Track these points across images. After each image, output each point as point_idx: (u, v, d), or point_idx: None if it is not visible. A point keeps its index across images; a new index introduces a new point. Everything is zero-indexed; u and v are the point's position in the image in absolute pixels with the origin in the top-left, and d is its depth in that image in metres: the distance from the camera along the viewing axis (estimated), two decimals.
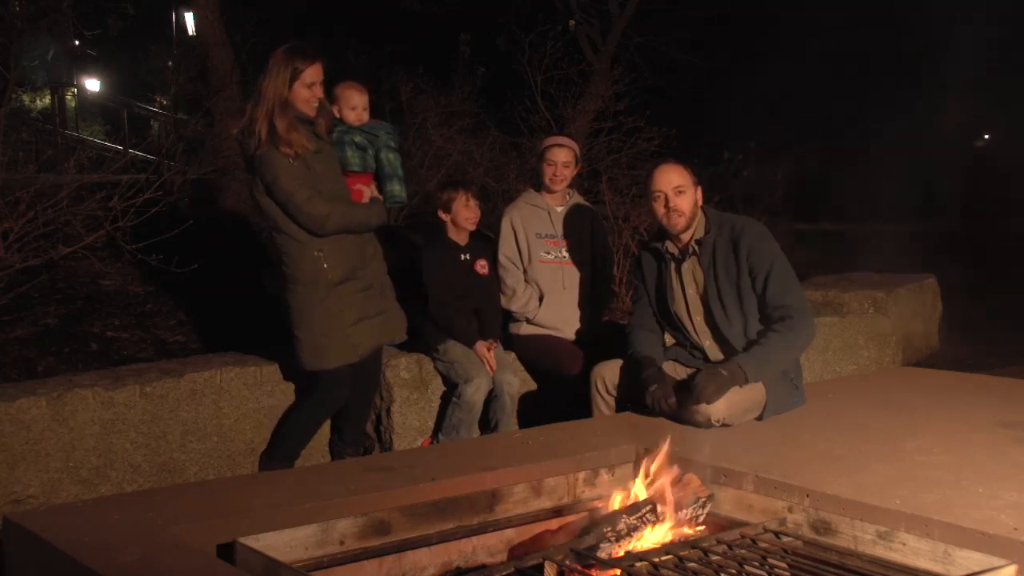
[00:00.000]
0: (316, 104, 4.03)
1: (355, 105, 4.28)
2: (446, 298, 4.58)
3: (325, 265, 4.00)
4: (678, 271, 3.96)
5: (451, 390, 4.54)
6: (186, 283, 5.65)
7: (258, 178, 3.98)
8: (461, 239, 4.71)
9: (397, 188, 4.28)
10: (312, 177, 3.96)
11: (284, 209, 3.96)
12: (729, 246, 3.85)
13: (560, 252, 4.86)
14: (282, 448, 4.19)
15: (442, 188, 4.81)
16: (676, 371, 3.99)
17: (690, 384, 3.66)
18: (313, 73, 3.98)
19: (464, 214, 4.66)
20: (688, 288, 3.95)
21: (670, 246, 3.97)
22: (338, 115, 4.27)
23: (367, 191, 4.24)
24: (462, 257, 4.71)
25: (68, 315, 5.49)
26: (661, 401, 3.67)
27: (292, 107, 3.95)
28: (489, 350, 4.57)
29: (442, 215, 4.71)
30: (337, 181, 4.11)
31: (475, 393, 4.42)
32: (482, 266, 4.74)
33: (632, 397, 3.89)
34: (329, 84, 4.19)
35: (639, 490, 3.08)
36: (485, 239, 4.99)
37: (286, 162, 3.91)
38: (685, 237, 3.92)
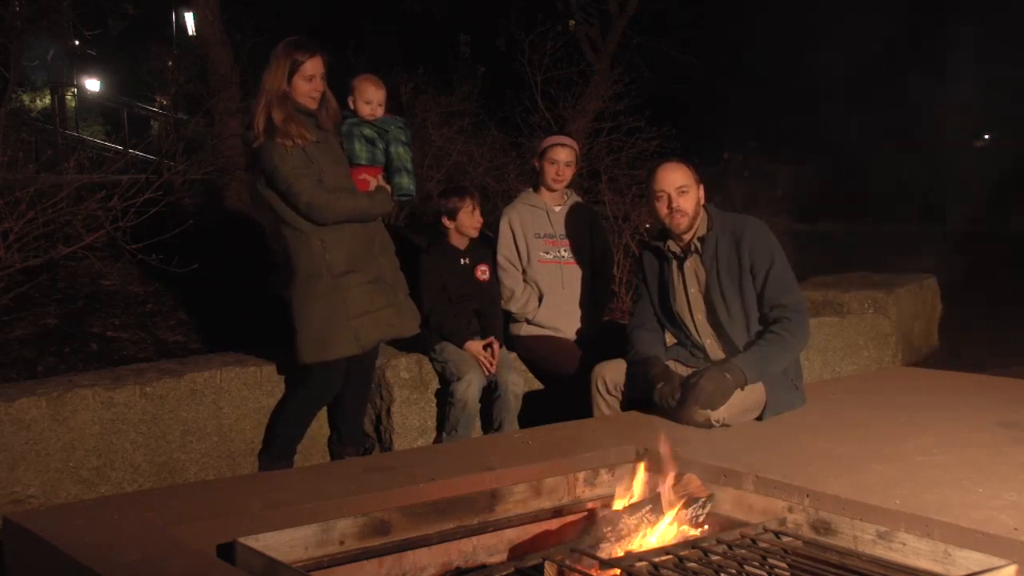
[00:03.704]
0: (317, 97, 4.04)
1: (370, 99, 4.26)
2: (440, 301, 4.58)
3: (327, 256, 4.00)
4: (680, 269, 3.96)
5: (446, 389, 4.55)
6: (186, 283, 5.65)
7: (259, 171, 4.00)
8: (462, 244, 4.72)
9: (405, 181, 4.26)
10: (313, 166, 3.97)
11: (285, 199, 3.97)
12: (732, 244, 3.85)
13: (559, 252, 4.86)
14: (277, 443, 4.20)
15: (447, 195, 4.79)
16: (677, 370, 3.99)
17: (692, 384, 3.65)
18: (313, 66, 3.98)
19: (468, 222, 4.66)
20: (690, 286, 3.95)
21: (672, 245, 3.97)
22: (352, 107, 4.27)
23: (373, 181, 4.23)
24: (462, 262, 4.71)
25: (68, 315, 5.49)
26: (668, 398, 3.66)
27: (291, 100, 3.97)
28: (488, 348, 4.56)
29: (446, 221, 4.70)
30: (340, 171, 4.11)
31: (467, 390, 4.42)
32: (483, 271, 4.74)
33: (636, 397, 3.89)
34: (338, 82, 4.20)
35: (639, 490, 3.08)
36: (486, 242, 4.99)
37: (284, 152, 3.92)
38: (687, 235, 3.92)
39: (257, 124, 3.93)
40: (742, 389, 3.64)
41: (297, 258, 4.02)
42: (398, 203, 4.42)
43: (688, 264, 3.95)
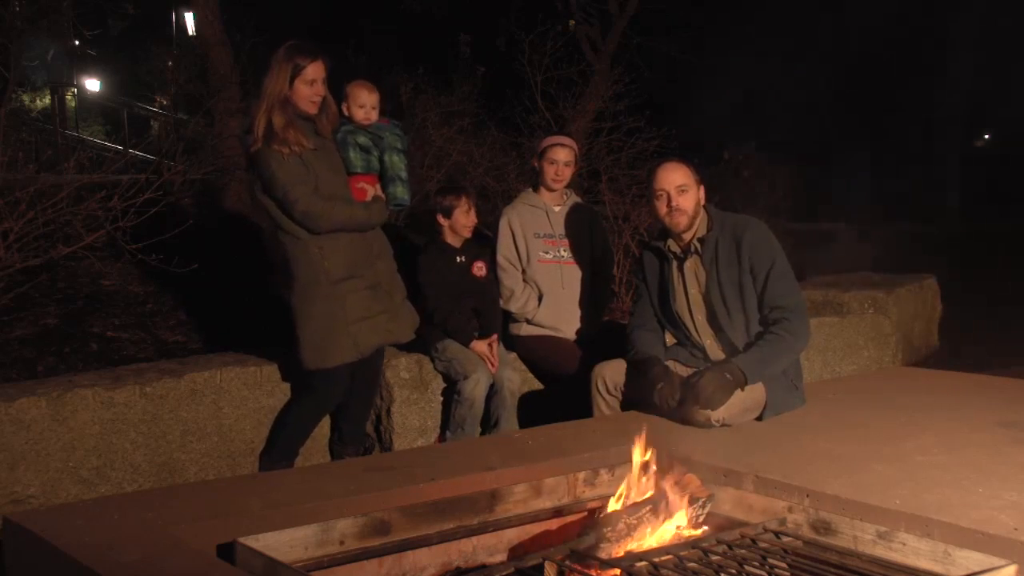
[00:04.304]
0: (318, 102, 4.03)
1: (363, 104, 4.24)
2: (442, 299, 4.59)
3: (325, 263, 3.99)
4: (680, 270, 3.96)
5: (452, 388, 4.55)
6: (186, 283, 5.65)
7: (256, 176, 4.00)
8: (457, 241, 4.72)
9: (400, 191, 4.25)
10: (310, 174, 3.96)
11: (281, 206, 3.96)
12: (732, 244, 3.85)
13: (559, 251, 4.87)
14: (280, 446, 4.20)
15: (443, 193, 4.80)
16: (676, 370, 3.99)
17: (692, 383, 3.65)
18: (314, 70, 3.98)
19: (463, 221, 4.67)
20: (690, 287, 3.95)
21: (672, 244, 3.97)
22: (347, 112, 4.26)
23: (370, 189, 4.22)
24: (458, 259, 4.71)
25: (68, 315, 5.49)
26: (668, 399, 3.67)
27: (292, 104, 3.96)
28: (489, 346, 4.57)
29: (440, 219, 4.71)
30: (337, 179, 4.10)
31: (474, 388, 4.43)
32: (479, 268, 4.74)
33: (637, 397, 3.89)
34: (337, 83, 4.19)
35: (639, 490, 3.08)
36: (484, 240, 4.98)
37: (282, 159, 3.91)
38: (687, 235, 3.92)
39: (257, 128, 3.92)
40: (742, 389, 3.64)
41: (295, 264, 4.01)
42: (393, 212, 4.38)
43: (688, 264, 3.95)
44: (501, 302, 4.81)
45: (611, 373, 4.01)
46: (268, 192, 3.97)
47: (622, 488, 3.07)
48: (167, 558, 2.44)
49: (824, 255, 9.25)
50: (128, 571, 2.35)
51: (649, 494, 2.98)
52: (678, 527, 2.90)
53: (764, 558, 2.72)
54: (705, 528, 2.95)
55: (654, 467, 3.08)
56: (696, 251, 3.92)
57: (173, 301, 5.90)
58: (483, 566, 2.96)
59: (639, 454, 3.06)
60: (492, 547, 3.13)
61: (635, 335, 4.02)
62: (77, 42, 15.77)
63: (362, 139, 4.22)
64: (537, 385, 4.87)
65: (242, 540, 2.62)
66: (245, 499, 2.90)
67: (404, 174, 4.26)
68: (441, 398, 4.66)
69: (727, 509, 3.12)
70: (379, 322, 4.13)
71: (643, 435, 3.08)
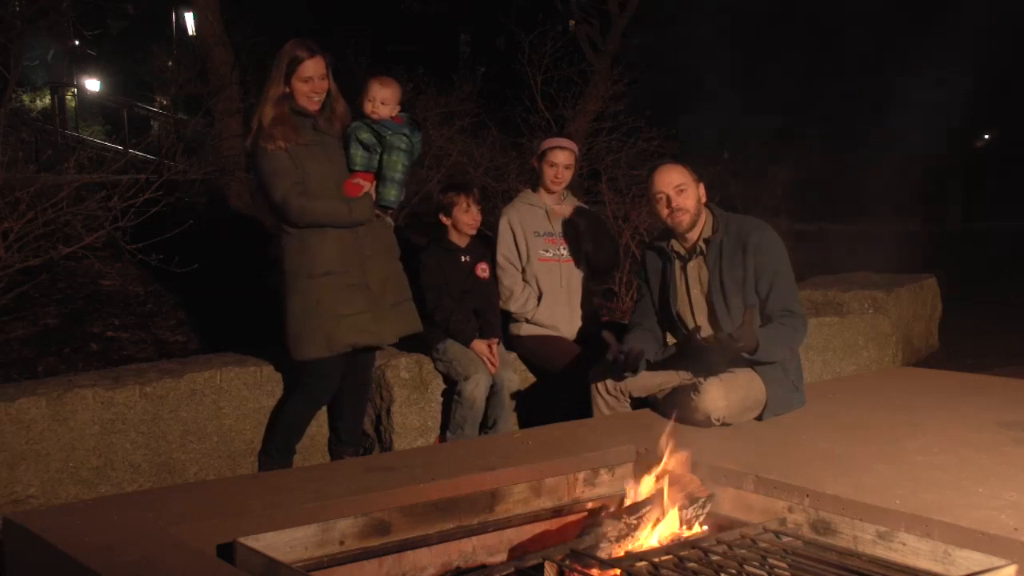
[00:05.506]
0: (318, 99, 4.03)
1: (372, 97, 4.18)
2: (444, 299, 4.58)
3: (307, 256, 4.01)
4: (683, 270, 3.96)
5: (452, 388, 4.55)
6: (186, 283, 5.66)
7: (254, 172, 4.06)
8: (462, 241, 4.71)
9: (388, 191, 4.16)
10: (295, 170, 3.97)
11: (267, 199, 4.03)
12: (737, 247, 3.84)
13: (559, 250, 4.86)
14: (276, 443, 4.20)
15: (443, 191, 4.79)
16: (680, 376, 3.99)
17: (731, 335, 3.63)
18: (312, 67, 3.98)
19: (464, 219, 4.66)
20: (693, 288, 3.95)
21: (676, 245, 3.97)
22: (362, 107, 4.25)
23: (365, 185, 4.19)
24: (462, 259, 4.71)
25: (68, 315, 5.50)
26: (622, 359, 3.74)
27: (290, 100, 3.97)
28: (490, 347, 4.56)
29: (443, 218, 4.71)
30: (329, 175, 4.07)
31: (475, 389, 4.42)
32: (483, 269, 4.74)
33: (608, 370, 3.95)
34: (342, 79, 4.20)
35: (639, 490, 3.08)
36: (486, 240, 4.97)
37: (267, 153, 3.96)
38: (692, 236, 3.91)
39: (253, 125, 4.00)
40: (751, 355, 3.63)
41: (284, 256, 4.05)
42: (383, 212, 4.28)
43: (692, 265, 3.94)
44: (500, 302, 4.81)
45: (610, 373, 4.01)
46: (259, 186, 4.04)
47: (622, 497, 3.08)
48: (167, 558, 2.44)
49: (824, 255, 9.25)
50: (128, 571, 2.35)
51: (649, 494, 2.98)
52: (678, 527, 2.90)
53: (764, 558, 2.72)
54: (705, 528, 2.95)
55: (657, 468, 3.08)
56: (701, 252, 3.92)
57: (173, 301, 5.90)
58: (483, 566, 2.96)
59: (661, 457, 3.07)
60: (492, 547, 3.13)
61: (629, 333, 4.02)
62: (77, 42, 15.77)
63: (365, 136, 4.18)
64: (537, 385, 4.87)
65: (242, 540, 2.62)
66: (245, 499, 2.90)
67: (398, 176, 4.17)
68: (441, 398, 4.66)
69: (727, 509, 3.12)
70: (359, 321, 4.07)
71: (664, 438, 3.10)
